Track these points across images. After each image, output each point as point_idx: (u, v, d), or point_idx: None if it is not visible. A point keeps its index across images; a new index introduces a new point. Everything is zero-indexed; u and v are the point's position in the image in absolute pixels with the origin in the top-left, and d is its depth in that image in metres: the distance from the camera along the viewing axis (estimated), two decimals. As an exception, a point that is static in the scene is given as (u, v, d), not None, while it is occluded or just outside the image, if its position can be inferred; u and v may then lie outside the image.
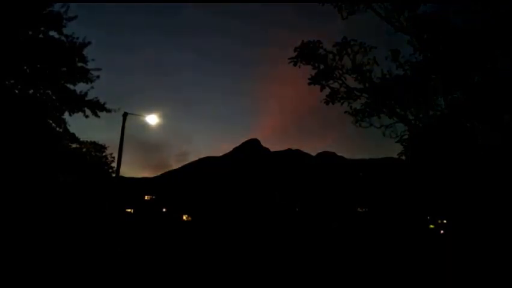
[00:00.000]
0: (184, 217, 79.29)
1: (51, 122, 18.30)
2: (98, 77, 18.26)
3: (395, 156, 15.49)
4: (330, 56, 13.95)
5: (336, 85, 14.42)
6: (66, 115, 18.42)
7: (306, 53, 13.73)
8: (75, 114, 18.25)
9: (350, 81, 14.38)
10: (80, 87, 18.15)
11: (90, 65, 17.95)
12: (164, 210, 79.75)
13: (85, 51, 17.56)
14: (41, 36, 16.68)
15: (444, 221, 43.92)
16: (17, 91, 16.73)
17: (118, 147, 19.28)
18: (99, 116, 18.67)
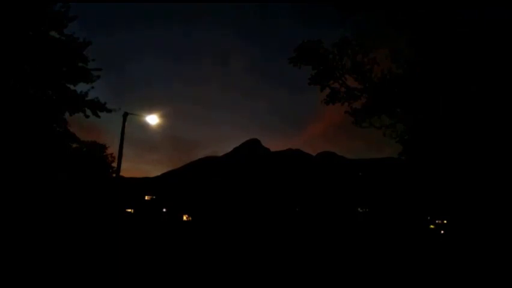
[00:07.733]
0: (185, 217, 79.32)
1: (51, 121, 18.30)
2: (98, 77, 18.25)
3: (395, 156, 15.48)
4: (330, 56, 13.97)
5: (336, 85, 14.47)
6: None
7: (306, 53, 13.74)
8: None
9: (350, 81, 14.41)
10: (81, 87, 18.18)
11: (90, 65, 17.97)
12: (164, 210, 79.70)
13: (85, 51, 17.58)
14: (41, 36, 16.68)
15: (445, 221, 43.91)
16: (17, 91, 16.73)
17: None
18: (99, 116, 18.63)
